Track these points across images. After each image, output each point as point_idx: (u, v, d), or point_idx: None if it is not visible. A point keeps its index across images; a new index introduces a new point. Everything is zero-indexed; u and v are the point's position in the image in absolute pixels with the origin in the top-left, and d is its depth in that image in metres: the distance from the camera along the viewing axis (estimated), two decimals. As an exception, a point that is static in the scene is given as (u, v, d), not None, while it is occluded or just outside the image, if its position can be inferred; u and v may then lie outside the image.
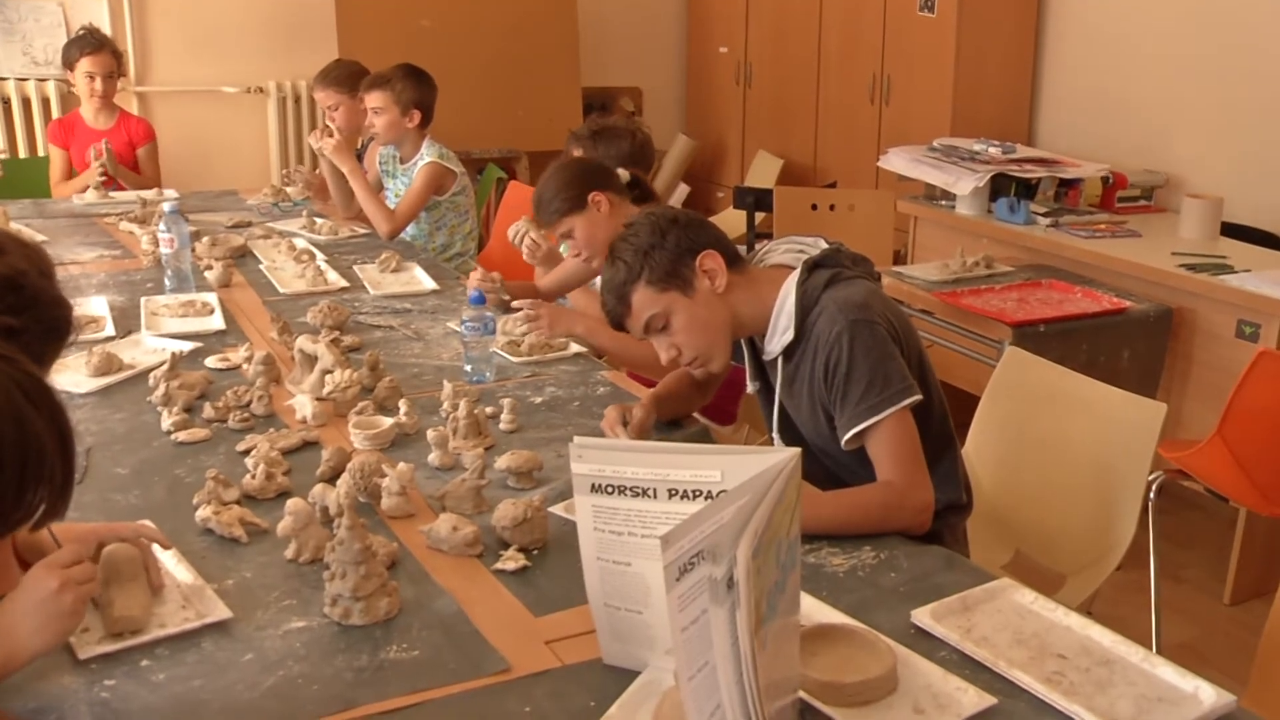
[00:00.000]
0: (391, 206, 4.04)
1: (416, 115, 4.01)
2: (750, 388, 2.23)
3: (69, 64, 4.77)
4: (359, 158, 4.52)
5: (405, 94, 3.97)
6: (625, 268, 2.00)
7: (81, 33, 4.84)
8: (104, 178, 4.59)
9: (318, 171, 4.50)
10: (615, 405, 2.25)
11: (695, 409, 2.48)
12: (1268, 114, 4.31)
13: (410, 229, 4.06)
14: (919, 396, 1.95)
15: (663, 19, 6.96)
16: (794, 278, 2.03)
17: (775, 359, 2.08)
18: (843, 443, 1.96)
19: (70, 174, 4.79)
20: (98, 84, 4.72)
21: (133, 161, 4.86)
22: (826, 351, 1.95)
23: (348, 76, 4.35)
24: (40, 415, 1.18)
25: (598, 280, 3.24)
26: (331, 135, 4.04)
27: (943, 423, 2.10)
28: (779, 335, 2.05)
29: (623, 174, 2.93)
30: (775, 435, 2.21)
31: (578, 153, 3.23)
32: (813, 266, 2.03)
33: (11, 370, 1.19)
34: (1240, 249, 3.87)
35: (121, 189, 4.63)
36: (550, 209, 2.83)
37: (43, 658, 1.40)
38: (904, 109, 5.38)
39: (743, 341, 2.18)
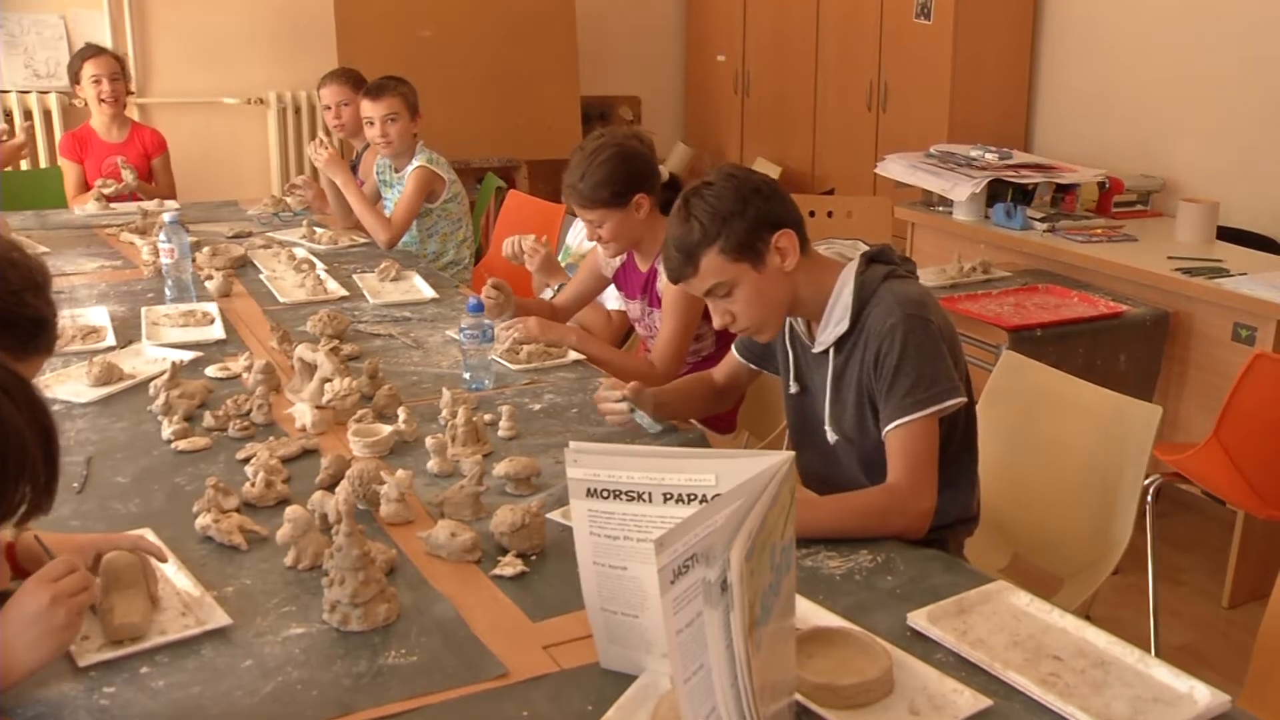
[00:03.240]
0: (354, 179, 4.10)
1: (420, 120, 4.05)
2: (792, 388, 2.20)
3: (74, 77, 4.77)
4: (354, 168, 4.55)
5: (411, 97, 4.02)
6: (700, 230, 1.94)
7: (82, 47, 4.85)
8: (111, 190, 4.61)
9: (317, 180, 4.52)
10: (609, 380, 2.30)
11: (708, 413, 2.47)
12: (1263, 118, 4.33)
13: (403, 237, 4.07)
14: (963, 399, 1.96)
15: (661, 28, 6.98)
16: (852, 268, 2.02)
17: (825, 352, 2.07)
18: (884, 434, 1.96)
19: (85, 187, 4.78)
20: (105, 85, 4.69)
21: (148, 173, 4.87)
22: (879, 342, 1.95)
23: (361, 81, 4.37)
24: (20, 412, 1.18)
25: (605, 294, 3.26)
26: (327, 147, 4.07)
27: (968, 432, 2.10)
28: (832, 326, 2.03)
29: (663, 172, 2.94)
30: (794, 436, 2.22)
31: None
32: (869, 260, 2.04)
33: None
34: (1236, 252, 3.88)
35: (139, 199, 4.65)
36: (594, 195, 2.75)
37: (40, 672, 1.41)
38: (901, 116, 5.40)
39: (787, 342, 2.17)
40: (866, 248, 2.09)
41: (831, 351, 2.05)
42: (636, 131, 3.42)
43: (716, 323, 2.04)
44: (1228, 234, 4.09)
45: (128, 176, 4.65)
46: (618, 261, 3.08)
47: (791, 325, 2.15)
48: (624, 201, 2.78)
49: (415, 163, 4.03)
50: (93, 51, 4.75)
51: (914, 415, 1.92)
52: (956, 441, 2.06)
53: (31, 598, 1.37)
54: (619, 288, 3.16)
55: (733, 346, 2.38)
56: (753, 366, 2.36)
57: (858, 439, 2.07)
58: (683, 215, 1.97)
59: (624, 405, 2.25)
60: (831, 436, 2.10)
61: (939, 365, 1.95)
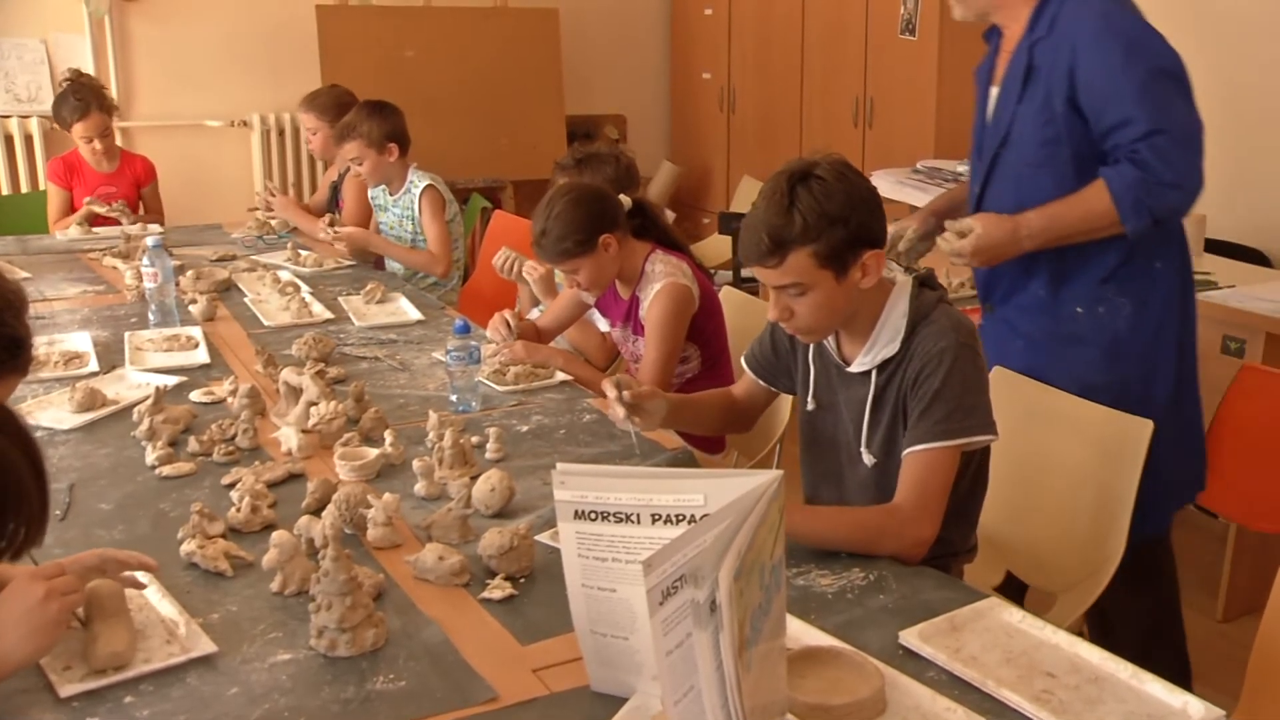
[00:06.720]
0: (384, 238, 4.22)
1: (394, 148, 4.04)
2: (809, 405, 2.14)
3: (64, 125, 4.66)
4: (335, 189, 4.58)
5: (374, 133, 3.99)
6: (802, 225, 1.85)
7: (66, 84, 4.65)
8: (103, 210, 4.58)
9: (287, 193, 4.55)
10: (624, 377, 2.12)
11: (722, 432, 2.37)
12: (1250, 131, 4.35)
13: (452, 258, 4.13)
14: (995, 436, 1.93)
15: (646, 46, 7.00)
16: (905, 290, 1.98)
17: (865, 373, 2.00)
18: (904, 453, 1.91)
19: (69, 213, 4.74)
20: (96, 144, 4.62)
21: (137, 201, 4.84)
22: (924, 362, 1.91)
23: (333, 105, 4.39)
24: (13, 445, 1.18)
25: (598, 315, 3.25)
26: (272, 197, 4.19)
27: (982, 467, 2.08)
28: (880, 347, 1.98)
29: (625, 201, 2.93)
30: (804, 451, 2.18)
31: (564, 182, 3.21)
32: (920, 284, 2.00)
33: None
34: (1224, 265, 3.88)
35: (117, 224, 4.63)
36: (558, 248, 2.77)
37: (25, 668, 1.41)
38: (887, 131, 5.41)
39: (809, 358, 2.12)
40: (898, 267, 2.05)
41: (875, 373, 1.99)
42: (616, 148, 3.42)
43: (772, 315, 1.97)
44: (1215, 247, 4.09)
45: (121, 216, 4.60)
46: None
47: (820, 341, 2.09)
48: (590, 247, 2.78)
49: (419, 184, 4.05)
50: (80, 112, 4.56)
51: (939, 444, 1.88)
52: (972, 474, 2.03)
53: (26, 590, 1.37)
54: (601, 313, 3.16)
55: (743, 362, 2.30)
56: (763, 384, 2.29)
57: (882, 459, 2.02)
58: (783, 202, 1.86)
59: (620, 412, 2.08)
60: (869, 459, 2.03)
61: (978, 399, 1.92)
